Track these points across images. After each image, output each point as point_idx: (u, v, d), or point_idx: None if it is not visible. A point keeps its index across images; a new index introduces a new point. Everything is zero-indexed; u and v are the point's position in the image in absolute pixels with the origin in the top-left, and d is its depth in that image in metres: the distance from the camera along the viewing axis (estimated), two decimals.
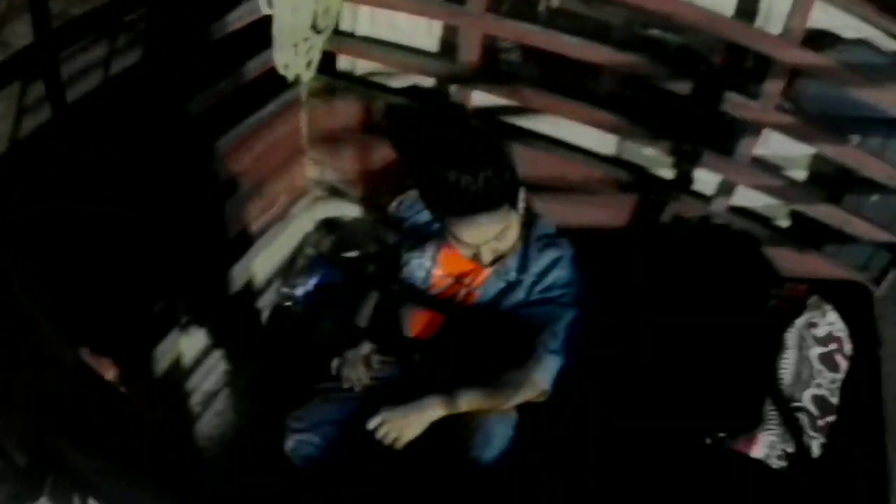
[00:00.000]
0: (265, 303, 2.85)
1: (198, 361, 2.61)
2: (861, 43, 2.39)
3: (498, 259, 2.22)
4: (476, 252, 2.17)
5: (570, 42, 2.42)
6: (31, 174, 1.97)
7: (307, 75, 2.63)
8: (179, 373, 2.53)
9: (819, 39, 2.40)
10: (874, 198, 2.41)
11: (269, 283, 2.85)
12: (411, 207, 2.44)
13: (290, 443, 2.18)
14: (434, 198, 2.24)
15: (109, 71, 3.53)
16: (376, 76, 2.79)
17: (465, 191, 2.07)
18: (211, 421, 2.62)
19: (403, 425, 2.01)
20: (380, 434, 2.01)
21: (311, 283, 2.90)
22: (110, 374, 2.15)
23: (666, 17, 2.40)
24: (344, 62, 2.80)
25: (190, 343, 2.54)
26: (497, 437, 2.09)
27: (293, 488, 2.18)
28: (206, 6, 2.35)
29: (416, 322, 2.34)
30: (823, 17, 2.28)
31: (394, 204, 2.46)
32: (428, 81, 2.76)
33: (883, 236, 2.35)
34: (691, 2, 2.26)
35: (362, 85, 2.78)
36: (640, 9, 2.40)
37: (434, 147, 2.33)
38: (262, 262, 2.78)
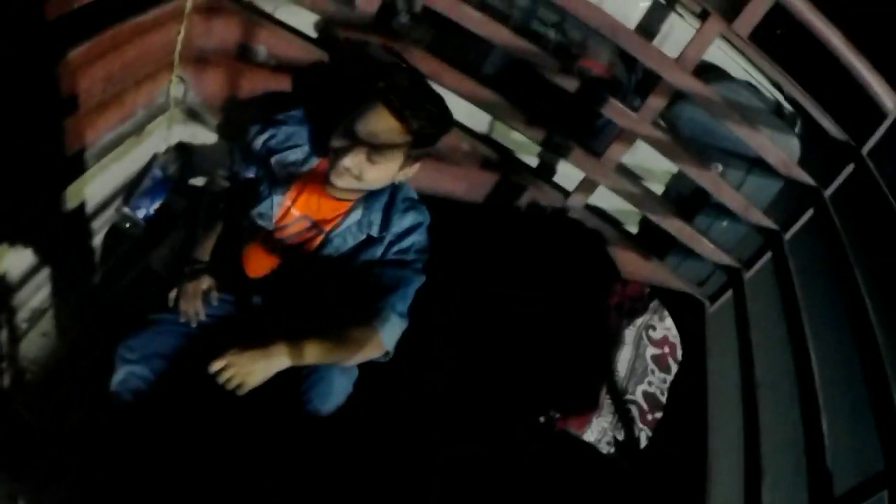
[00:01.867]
0: (104, 221, 2.65)
1: (26, 277, 2.38)
2: (746, 85, 2.55)
3: (347, 192, 2.17)
4: (342, 160, 2.05)
5: (472, 14, 2.42)
6: None
7: None
8: (4, 287, 2.31)
9: (708, 71, 2.54)
10: (724, 223, 2.59)
11: (111, 200, 2.65)
12: (284, 142, 2.28)
13: (119, 374, 2.06)
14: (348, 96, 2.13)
15: None
16: (264, 3, 2.66)
17: (403, 90, 2.03)
18: (36, 341, 2.42)
19: (248, 371, 1.90)
20: (222, 378, 1.88)
21: (154, 206, 2.74)
22: None
23: (571, 15, 2.45)
24: None
25: (19, 257, 2.32)
26: (337, 393, 2.11)
27: (115, 421, 2.07)
28: None
29: (260, 260, 2.26)
30: (717, 53, 2.42)
31: (265, 134, 2.28)
32: (318, 20, 2.66)
33: (725, 259, 2.53)
34: (599, 6, 2.33)
35: (248, 10, 2.62)
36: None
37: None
38: (106, 178, 2.56)
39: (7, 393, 2.30)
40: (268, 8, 2.65)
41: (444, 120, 2.14)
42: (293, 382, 2.06)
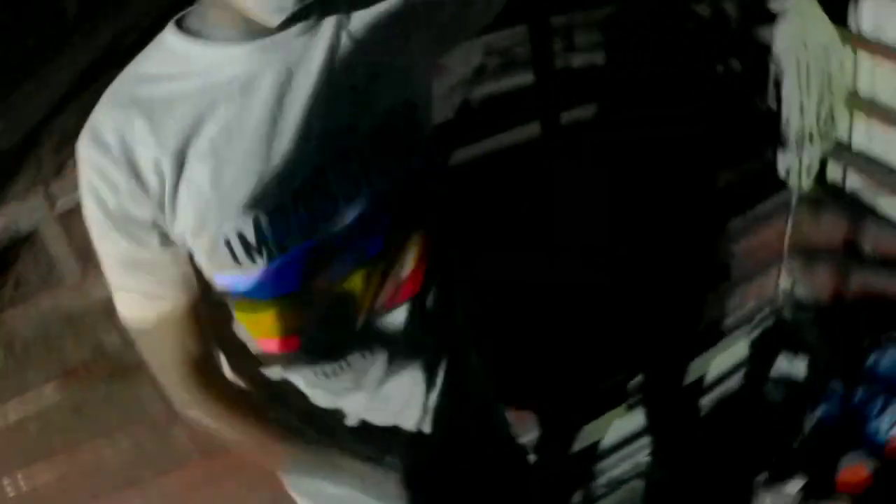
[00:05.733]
0: (712, 400, 2.75)
1: (621, 445, 2.62)
2: None
3: None
4: None
5: None
6: None
7: (807, 184, 2.44)
8: (596, 450, 2.58)
9: None
10: None
11: (715, 384, 2.73)
12: None
13: None
14: None
15: None
16: (865, 194, 2.45)
17: None
18: None
19: None
20: None
21: None
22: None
23: None
24: (833, 174, 2.52)
25: (622, 426, 2.60)
26: None
27: None
28: None
29: None
30: None
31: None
32: None
33: None
34: None
35: (851, 203, 2.46)
36: None
37: None
38: (715, 364, 2.70)
39: None
40: (867, 198, 2.41)
41: None
42: None
